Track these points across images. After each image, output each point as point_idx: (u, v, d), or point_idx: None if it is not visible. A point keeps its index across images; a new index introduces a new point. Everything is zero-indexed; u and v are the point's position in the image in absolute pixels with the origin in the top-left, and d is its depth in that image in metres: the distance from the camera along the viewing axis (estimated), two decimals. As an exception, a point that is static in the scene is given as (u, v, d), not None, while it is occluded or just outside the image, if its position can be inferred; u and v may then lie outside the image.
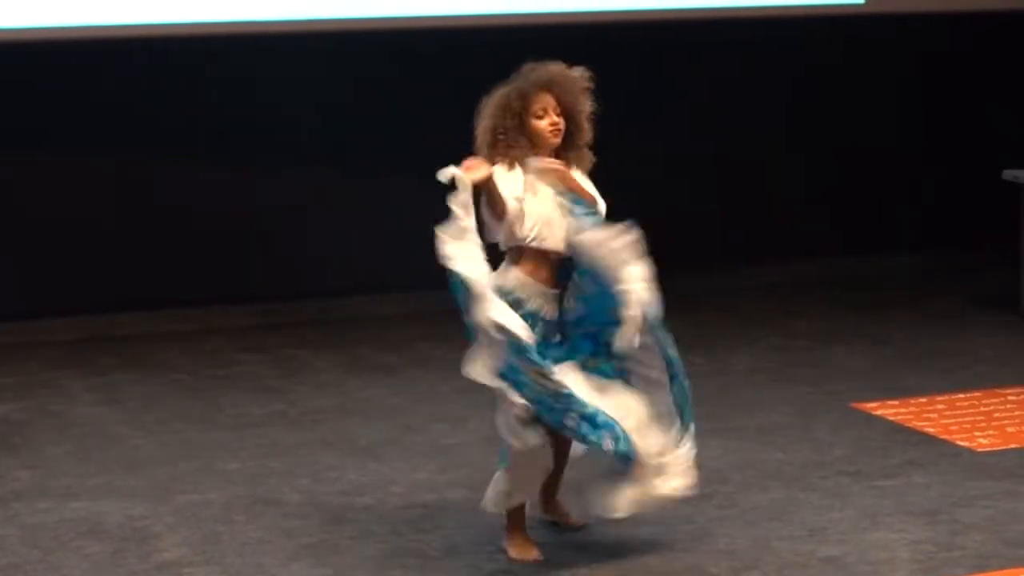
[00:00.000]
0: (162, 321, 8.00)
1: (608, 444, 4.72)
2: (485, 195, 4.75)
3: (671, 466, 4.85)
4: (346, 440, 6.23)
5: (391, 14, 7.92)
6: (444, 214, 4.69)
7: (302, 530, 5.28)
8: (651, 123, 8.38)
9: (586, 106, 4.88)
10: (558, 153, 4.88)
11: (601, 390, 4.81)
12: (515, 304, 4.74)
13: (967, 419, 6.23)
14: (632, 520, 5.06)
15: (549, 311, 4.85)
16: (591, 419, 4.70)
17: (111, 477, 5.85)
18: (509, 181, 4.78)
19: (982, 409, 6.35)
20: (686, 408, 4.86)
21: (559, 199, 4.81)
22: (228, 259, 8.15)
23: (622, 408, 4.80)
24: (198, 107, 7.95)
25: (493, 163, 4.78)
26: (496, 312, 4.61)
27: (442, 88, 7.72)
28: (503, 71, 4.96)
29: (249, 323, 8.04)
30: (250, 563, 5.00)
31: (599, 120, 4.93)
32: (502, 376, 4.66)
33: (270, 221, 8.21)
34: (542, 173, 4.84)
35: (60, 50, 7.59)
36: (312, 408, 6.69)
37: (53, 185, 7.89)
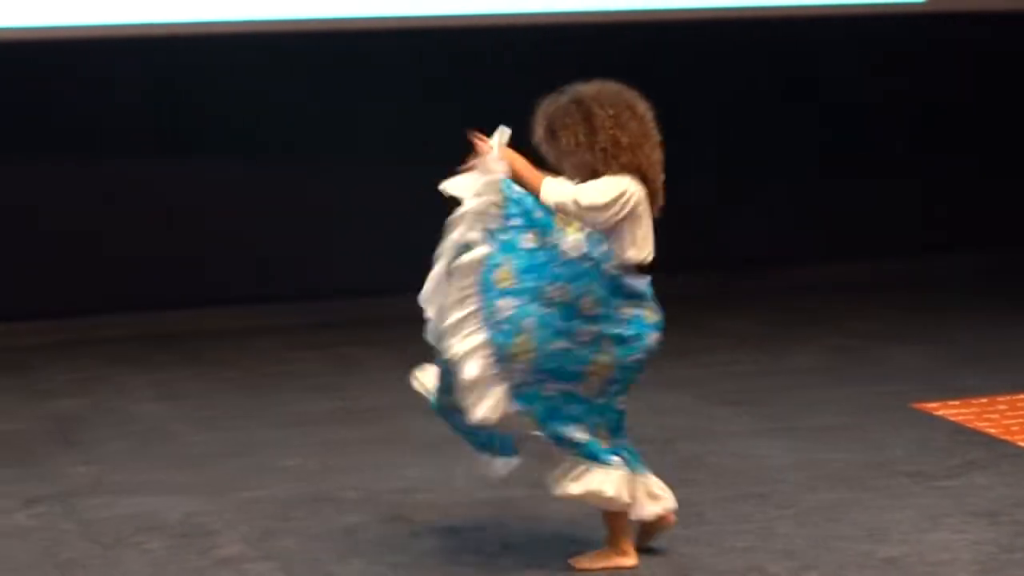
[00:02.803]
0: (218, 319, 8.03)
1: None
2: None
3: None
4: (404, 437, 6.26)
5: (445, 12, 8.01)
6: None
7: (360, 527, 5.31)
8: (702, 122, 8.38)
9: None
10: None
11: None
12: None
13: (1029, 420, 6.23)
14: (689, 519, 5.12)
15: None
16: None
17: (169, 473, 5.89)
18: None
19: (1044, 410, 6.35)
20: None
21: None
22: (282, 257, 8.21)
23: None
24: (263, 107, 8.03)
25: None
26: None
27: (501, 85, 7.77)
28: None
29: (303, 321, 8.06)
30: (308, 559, 5.04)
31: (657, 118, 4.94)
32: None
33: (323, 219, 8.26)
34: None
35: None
36: (368, 405, 6.71)
37: (114, 181, 7.97)
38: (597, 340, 4.69)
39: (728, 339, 7.63)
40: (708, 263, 8.38)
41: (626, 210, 4.64)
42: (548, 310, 4.67)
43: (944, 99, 8.94)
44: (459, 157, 4.85)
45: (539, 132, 4.78)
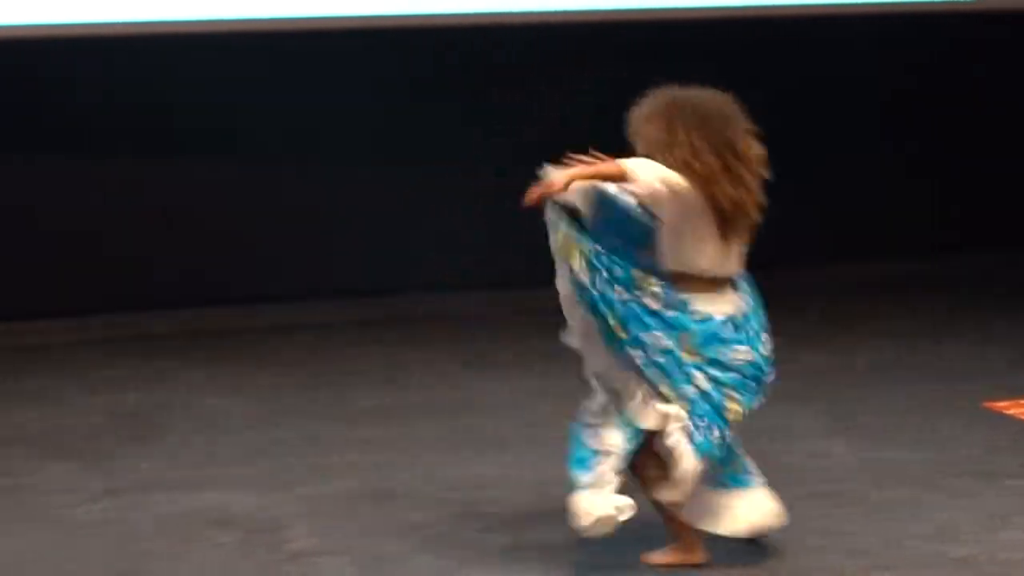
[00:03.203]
0: (284, 315, 8.05)
1: None
2: None
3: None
4: (470, 435, 6.30)
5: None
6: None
7: (427, 522, 5.36)
8: (759, 122, 8.41)
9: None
10: None
11: None
12: None
13: (1100, 420, 6.20)
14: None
15: None
16: None
17: (237, 468, 5.95)
18: None
19: (1115, 410, 6.32)
20: None
21: None
22: (350, 254, 8.24)
23: None
24: (337, 106, 8.04)
25: None
26: None
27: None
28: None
29: (368, 318, 8.08)
30: (377, 554, 5.09)
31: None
32: None
33: (388, 218, 8.28)
34: None
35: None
36: (432, 402, 6.76)
37: (178, 178, 8.03)
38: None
39: (783, 337, 7.62)
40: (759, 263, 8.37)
41: (672, 208, 4.70)
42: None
43: (992, 97, 8.89)
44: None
45: (641, 114, 4.82)
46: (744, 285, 4.86)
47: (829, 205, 8.80)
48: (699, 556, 4.92)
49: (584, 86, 8.07)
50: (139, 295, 8.02)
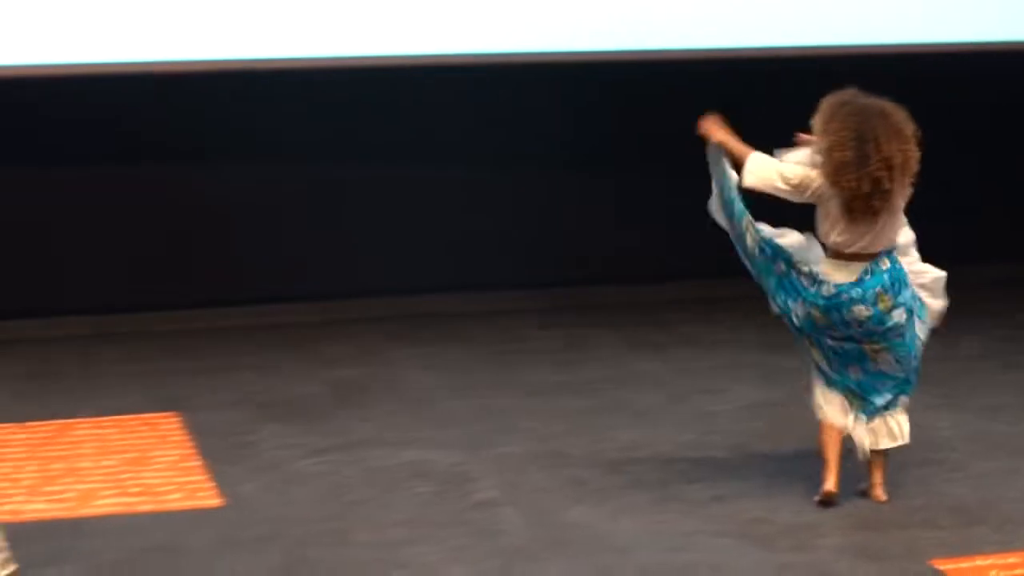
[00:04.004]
0: (473, 303, 7.90)
1: None
2: None
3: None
4: (623, 406, 6.29)
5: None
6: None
7: (584, 479, 5.40)
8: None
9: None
10: None
11: None
12: None
13: None
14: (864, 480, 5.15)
15: None
16: None
17: (433, 431, 5.98)
18: None
19: None
20: None
21: None
22: (538, 250, 8.09)
23: None
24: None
25: None
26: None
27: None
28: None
29: (545, 305, 7.96)
30: (544, 505, 5.16)
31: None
32: None
33: (563, 216, 8.13)
34: None
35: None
36: (595, 379, 6.71)
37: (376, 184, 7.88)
38: None
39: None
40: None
41: (806, 195, 4.89)
42: None
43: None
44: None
45: (820, 105, 4.95)
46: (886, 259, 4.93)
47: (955, 212, 8.46)
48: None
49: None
50: (349, 285, 7.87)
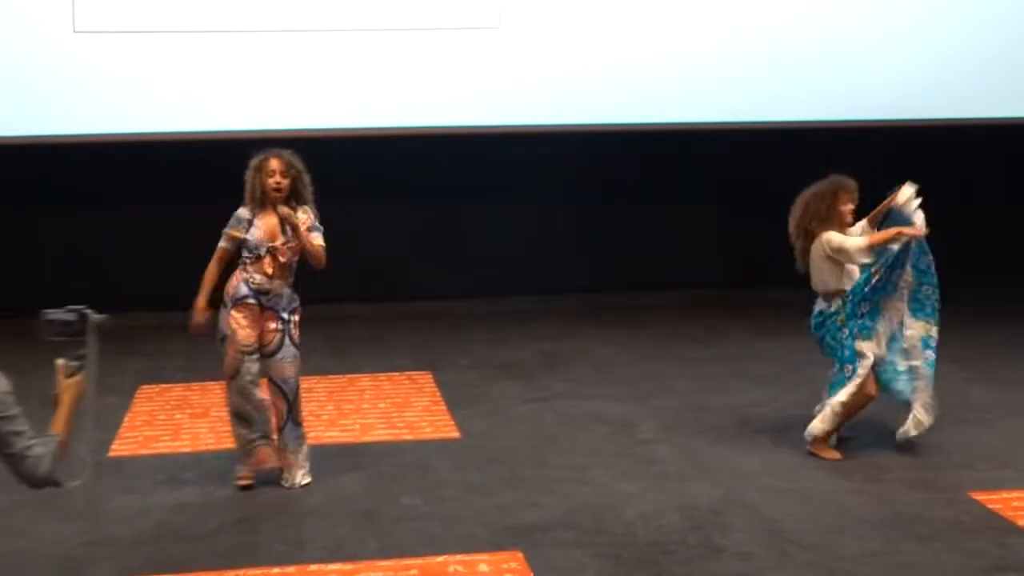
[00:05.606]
0: (641, 299, 7.92)
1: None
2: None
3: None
4: (749, 373, 6.29)
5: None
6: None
7: (720, 425, 5.48)
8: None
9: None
10: None
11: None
12: None
13: None
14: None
15: None
16: None
17: (610, 389, 6.08)
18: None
19: None
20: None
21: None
22: (696, 257, 8.01)
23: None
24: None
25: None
26: None
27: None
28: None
29: (693, 301, 7.96)
30: (690, 443, 5.25)
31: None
32: None
33: (704, 237, 8.06)
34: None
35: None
36: (729, 355, 6.73)
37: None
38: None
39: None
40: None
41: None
42: None
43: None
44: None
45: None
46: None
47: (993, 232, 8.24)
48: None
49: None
50: (555, 283, 7.89)
